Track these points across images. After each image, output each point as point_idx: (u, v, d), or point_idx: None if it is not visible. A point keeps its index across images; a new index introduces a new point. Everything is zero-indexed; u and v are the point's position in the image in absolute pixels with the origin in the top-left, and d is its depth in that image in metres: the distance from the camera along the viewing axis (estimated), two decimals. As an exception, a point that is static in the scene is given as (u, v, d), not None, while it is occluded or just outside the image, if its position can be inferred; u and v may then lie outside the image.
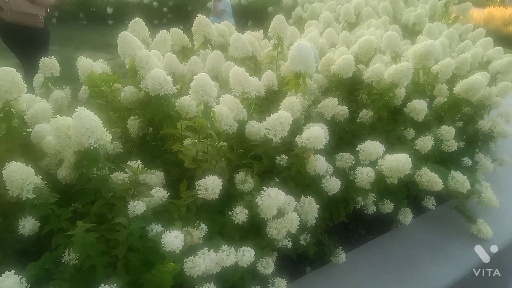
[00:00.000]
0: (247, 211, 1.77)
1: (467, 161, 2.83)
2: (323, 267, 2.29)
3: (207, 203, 1.77)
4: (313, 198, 2.02)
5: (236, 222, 1.75)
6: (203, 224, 1.71)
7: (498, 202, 2.61)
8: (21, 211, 1.63)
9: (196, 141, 1.91)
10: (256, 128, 2.05)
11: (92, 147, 1.54)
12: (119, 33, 2.15)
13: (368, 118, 2.64)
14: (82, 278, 1.58)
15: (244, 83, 2.13)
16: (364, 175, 2.12)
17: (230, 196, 1.94)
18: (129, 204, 1.56)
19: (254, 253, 1.66)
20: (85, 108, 1.57)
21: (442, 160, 2.77)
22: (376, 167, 2.16)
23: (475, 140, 3.22)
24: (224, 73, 2.53)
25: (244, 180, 1.95)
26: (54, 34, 4.16)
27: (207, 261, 1.53)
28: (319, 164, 2.01)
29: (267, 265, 1.79)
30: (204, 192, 1.71)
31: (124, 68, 2.37)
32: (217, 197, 1.73)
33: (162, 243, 1.45)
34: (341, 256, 2.27)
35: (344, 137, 2.62)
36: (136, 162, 1.76)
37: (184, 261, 1.50)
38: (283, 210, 1.83)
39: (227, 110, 2.03)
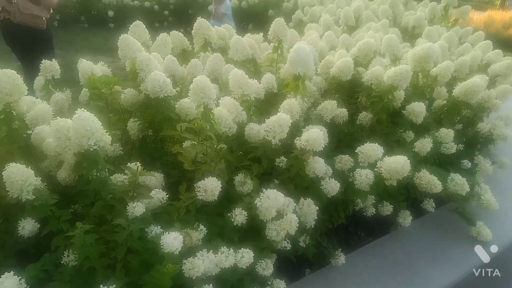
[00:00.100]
0: (246, 212, 1.78)
1: (466, 163, 2.84)
2: (322, 269, 2.30)
3: (206, 205, 1.78)
4: (312, 200, 2.02)
5: (235, 224, 1.76)
6: (202, 226, 1.72)
7: (497, 204, 2.62)
8: (21, 213, 1.64)
9: (195, 143, 1.91)
10: (256, 130, 2.06)
11: (91, 149, 1.55)
12: (120, 36, 2.17)
13: (368, 120, 2.65)
14: (81, 279, 1.58)
15: (244, 86, 2.14)
16: (363, 177, 2.13)
17: (229, 198, 1.95)
18: (128, 205, 1.57)
19: (253, 254, 1.67)
20: (85, 110, 1.58)
21: (441, 162, 2.77)
22: (375, 169, 2.17)
23: (474, 142, 3.23)
24: (224, 76, 2.54)
25: (244, 182, 1.96)
26: (55, 37, 4.17)
27: (206, 262, 1.54)
28: (318, 166, 2.02)
29: (266, 267, 1.80)
30: (203, 194, 1.72)
31: (124, 71, 2.38)
32: (216, 199, 1.74)
33: (161, 244, 1.45)
34: (341, 258, 2.27)
35: (344, 139, 2.63)
36: (135, 164, 1.76)
37: (183, 262, 1.51)
38: (282, 212, 1.84)
39: (227, 112, 2.04)
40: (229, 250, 1.63)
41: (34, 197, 1.54)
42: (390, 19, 4.91)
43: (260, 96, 2.37)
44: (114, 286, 1.43)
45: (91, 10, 9.38)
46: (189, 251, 1.59)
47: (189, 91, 1.85)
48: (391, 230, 2.73)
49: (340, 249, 2.32)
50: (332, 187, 2.06)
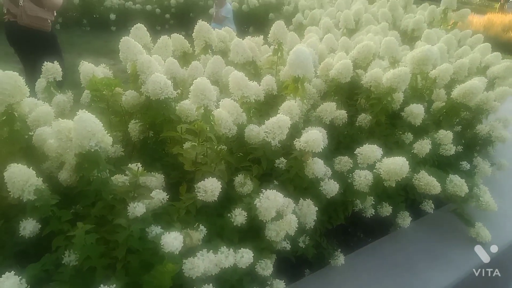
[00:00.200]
0: (246, 213, 1.79)
1: (465, 165, 2.85)
2: (322, 269, 2.31)
3: (206, 205, 1.79)
4: (311, 201, 2.04)
5: (235, 224, 1.77)
6: (202, 226, 1.73)
7: (496, 205, 2.62)
8: (22, 214, 1.64)
9: (195, 144, 1.93)
10: (255, 132, 2.07)
11: (93, 150, 1.56)
12: (122, 38, 2.18)
13: (367, 122, 2.66)
14: (82, 279, 1.59)
15: (244, 87, 2.16)
16: (362, 178, 2.14)
17: (229, 199, 1.96)
18: (129, 206, 1.58)
19: (252, 254, 1.68)
20: (87, 112, 1.59)
21: (440, 164, 2.79)
22: (374, 170, 2.18)
23: (473, 144, 3.25)
24: (224, 78, 2.56)
25: (243, 183, 1.97)
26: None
27: (206, 262, 1.55)
28: (317, 167, 2.03)
29: (266, 267, 1.80)
30: (203, 194, 1.73)
31: (126, 74, 2.40)
32: (216, 199, 1.75)
33: (162, 244, 1.46)
34: (340, 259, 2.28)
35: (343, 141, 2.64)
36: (136, 165, 1.77)
37: (183, 262, 1.52)
38: (282, 213, 1.85)
39: (227, 113, 2.06)
40: (229, 250, 1.64)
41: (35, 197, 1.56)
42: (389, 22, 4.94)
43: (260, 98, 2.39)
44: (114, 286, 1.44)
45: (93, 13, 9.42)
46: (189, 251, 1.60)
47: (190, 93, 1.87)
48: (390, 231, 2.74)
49: (340, 250, 2.33)
50: (331, 188, 2.08)
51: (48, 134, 1.84)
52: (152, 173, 1.87)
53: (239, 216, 1.77)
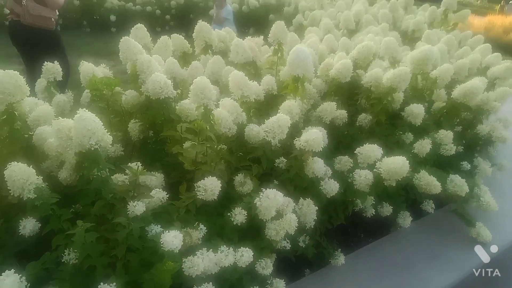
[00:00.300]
0: (245, 212, 1.79)
1: (466, 165, 2.85)
2: (322, 269, 2.30)
3: (206, 204, 1.79)
4: (311, 200, 2.03)
5: (235, 223, 1.77)
6: (202, 225, 1.73)
7: (497, 205, 2.62)
8: (22, 213, 1.65)
9: (195, 143, 1.93)
10: (255, 131, 2.07)
11: (93, 148, 1.56)
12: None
13: (367, 122, 2.66)
14: (82, 278, 1.59)
15: (244, 87, 2.16)
16: (363, 177, 2.14)
17: (229, 198, 1.96)
18: (129, 204, 1.58)
19: (252, 253, 1.67)
20: (87, 111, 1.59)
21: (441, 164, 2.78)
22: (374, 170, 2.18)
23: (474, 144, 3.24)
24: (224, 78, 2.56)
25: (243, 182, 1.97)
26: (58, 41, 4.21)
27: (206, 261, 1.55)
28: (318, 166, 2.03)
29: (266, 266, 1.80)
30: (203, 193, 1.73)
31: (126, 75, 2.40)
32: (216, 198, 1.75)
33: (161, 242, 1.46)
34: (340, 259, 2.28)
35: (343, 141, 2.64)
36: (136, 164, 1.78)
37: (183, 261, 1.52)
38: (282, 212, 1.85)
39: (227, 113, 2.06)
40: (229, 249, 1.64)
41: (35, 195, 1.56)
42: (390, 23, 4.93)
43: (260, 98, 2.39)
44: (114, 284, 1.44)
45: (93, 14, 9.44)
46: (189, 250, 1.60)
47: (189, 93, 1.87)
48: (390, 231, 2.74)
49: (340, 250, 2.33)
50: (331, 187, 2.08)
51: (48, 133, 1.84)
52: (152, 172, 1.87)
53: (239, 215, 1.77)
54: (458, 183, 2.49)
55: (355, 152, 2.26)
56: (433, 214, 2.73)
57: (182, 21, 9.43)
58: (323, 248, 2.30)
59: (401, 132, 2.73)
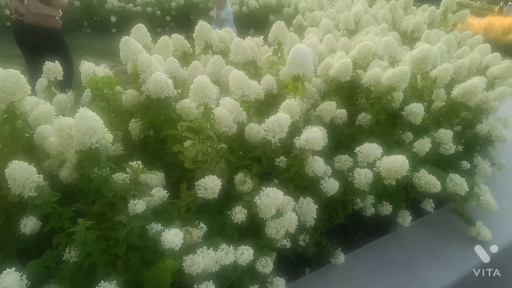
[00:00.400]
0: (246, 210, 1.79)
1: (465, 164, 2.85)
2: (322, 268, 2.31)
3: (206, 203, 1.80)
4: (311, 199, 2.04)
5: (235, 222, 1.77)
6: (203, 224, 1.73)
7: (496, 205, 2.63)
8: (23, 212, 1.65)
9: (196, 142, 1.93)
10: (256, 130, 2.08)
11: (93, 147, 1.57)
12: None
13: (367, 121, 2.66)
14: (82, 276, 1.59)
15: (244, 86, 2.17)
16: (362, 176, 2.14)
17: (229, 197, 1.96)
18: (129, 203, 1.59)
19: (253, 252, 1.68)
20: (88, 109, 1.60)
21: (440, 163, 2.79)
22: (374, 169, 2.18)
23: (473, 144, 3.25)
24: (224, 78, 2.57)
25: (244, 181, 1.97)
26: (58, 42, 4.22)
27: (206, 259, 1.55)
28: (317, 165, 2.03)
29: (266, 264, 1.80)
30: (203, 192, 1.73)
31: (126, 75, 2.40)
32: (216, 196, 1.76)
33: (162, 241, 1.47)
34: (340, 258, 2.28)
35: (343, 140, 2.65)
36: (136, 162, 1.78)
37: (184, 259, 1.52)
38: (282, 210, 1.85)
39: (227, 112, 2.07)
40: (229, 247, 1.64)
41: (36, 194, 1.56)
42: (389, 23, 4.94)
43: (260, 97, 2.40)
44: (115, 282, 1.44)
45: (93, 15, 9.47)
46: (189, 248, 1.61)
47: (190, 92, 1.88)
48: (390, 230, 2.74)
49: (340, 249, 2.33)
50: (331, 186, 2.08)
51: (49, 132, 1.85)
52: (153, 171, 1.88)
53: (239, 214, 1.78)
54: (457, 182, 2.49)
55: (355, 151, 2.27)
56: (433, 213, 2.74)
57: (183, 22, 9.46)
58: (323, 247, 2.30)
59: (400, 131, 2.74)
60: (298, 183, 2.10)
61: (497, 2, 20.60)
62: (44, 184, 1.62)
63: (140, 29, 2.65)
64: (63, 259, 1.59)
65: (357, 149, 2.26)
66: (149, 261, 1.61)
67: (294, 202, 1.92)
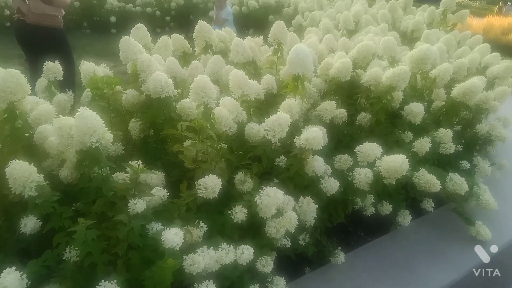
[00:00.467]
0: (246, 210, 1.80)
1: (465, 164, 2.85)
2: (322, 267, 2.31)
3: (207, 203, 1.80)
4: (311, 198, 2.04)
5: (235, 221, 1.77)
6: (203, 223, 1.73)
7: (496, 204, 2.63)
8: (23, 212, 1.65)
9: (196, 141, 1.93)
10: (256, 130, 2.08)
11: (93, 146, 1.57)
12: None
13: (367, 121, 2.67)
14: (83, 275, 1.59)
15: (244, 86, 2.17)
16: (362, 175, 2.14)
17: (229, 196, 1.96)
18: (129, 202, 1.59)
19: (253, 251, 1.68)
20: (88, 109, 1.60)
21: (440, 163, 2.79)
22: (374, 168, 2.18)
23: (473, 143, 3.25)
24: (224, 78, 2.57)
25: (244, 181, 1.98)
26: (58, 42, 4.22)
27: (207, 258, 1.55)
28: (317, 164, 2.03)
29: (266, 264, 1.81)
30: (203, 191, 1.74)
31: (126, 76, 2.40)
32: (216, 196, 1.76)
33: (162, 240, 1.47)
34: (340, 257, 2.28)
35: (343, 140, 2.65)
36: (136, 162, 1.78)
37: (184, 258, 1.52)
38: (282, 210, 1.85)
39: (227, 112, 2.07)
40: (229, 247, 1.65)
41: (37, 193, 1.56)
42: (389, 23, 4.94)
43: (260, 97, 2.40)
44: (115, 281, 1.45)
45: (93, 16, 9.46)
46: (189, 247, 1.61)
47: (190, 92, 1.88)
48: (390, 229, 2.75)
49: (340, 248, 2.33)
50: (331, 185, 2.08)
51: (49, 132, 1.85)
52: (153, 171, 1.88)
53: (239, 213, 1.78)
54: (457, 182, 2.49)
55: (354, 150, 2.27)
56: (432, 212, 2.74)
57: (182, 22, 9.46)
58: (323, 246, 2.30)
59: (400, 131, 2.74)
60: (298, 182, 2.11)
61: (496, 2, 20.64)
62: (44, 183, 1.62)
63: (140, 29, 2.65)
64: (63, 258, 1.59)
65: (357, 148, 2.26)
66: (149, 261, 1.61)
67: (294, 202, 1.93)
